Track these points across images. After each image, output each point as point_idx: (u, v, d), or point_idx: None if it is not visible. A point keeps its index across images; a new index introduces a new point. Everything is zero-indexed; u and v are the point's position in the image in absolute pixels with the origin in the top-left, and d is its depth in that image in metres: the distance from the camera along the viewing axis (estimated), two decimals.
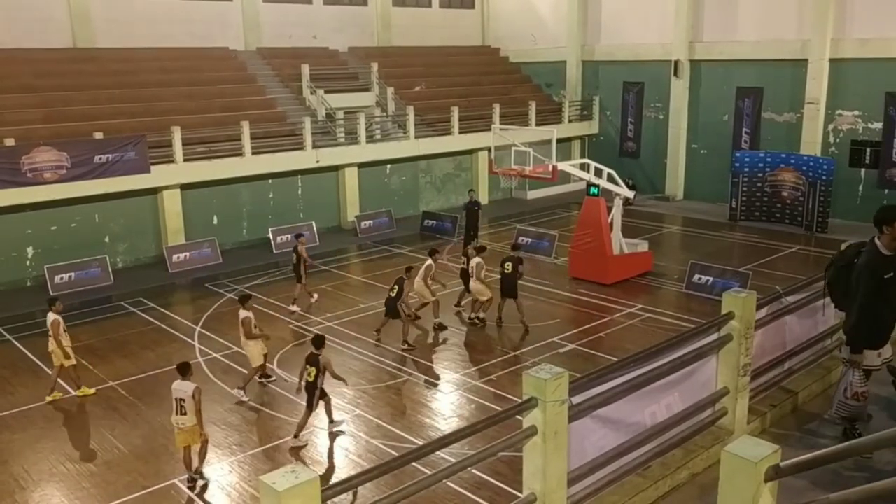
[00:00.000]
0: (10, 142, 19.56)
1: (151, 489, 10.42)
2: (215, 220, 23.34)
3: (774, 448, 5.48)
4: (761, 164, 25.69)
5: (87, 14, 25.67)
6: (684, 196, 30.21)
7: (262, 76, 28.17)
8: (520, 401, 7.26)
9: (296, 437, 11.58)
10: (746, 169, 25.82)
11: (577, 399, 7.53)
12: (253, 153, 23.48)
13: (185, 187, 22.46)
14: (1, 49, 23.55)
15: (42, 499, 10.31)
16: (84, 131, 21.21)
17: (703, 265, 18.76)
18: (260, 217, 24.28)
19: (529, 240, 22.61)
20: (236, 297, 15.10)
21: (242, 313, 13.22)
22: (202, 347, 15.58)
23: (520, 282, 16.25)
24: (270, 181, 24.48)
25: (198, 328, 16.75)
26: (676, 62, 29.24)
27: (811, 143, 25.82)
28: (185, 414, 10.21)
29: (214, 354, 15.21)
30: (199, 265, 21.85)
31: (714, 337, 9.29)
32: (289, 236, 23.77)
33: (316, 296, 18.54)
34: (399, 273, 16.12)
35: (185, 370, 10.41)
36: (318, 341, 11.70)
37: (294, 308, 17.83)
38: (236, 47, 28.90)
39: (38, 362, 14.93)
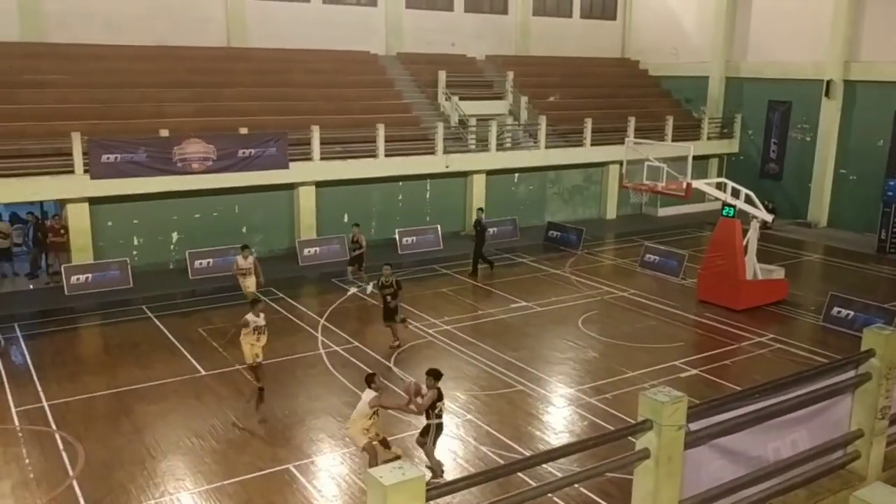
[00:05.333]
0: (164, 133, 20.95)
1: (266, 472, 10.85)
2: (346, 218, 24.04)
3: None
4: None
5: (242, 16, 27.11)
6: (828, 223, 28.51)
7: (400, 81, 28.81)
8: (634, 422, 7.06)
9: None
10: None
11: (695, 426, 7.24)
12: (386, 155, 24.07)
13: (319, 185, 23.30)
14: (164, 46, 25.25)
15: (168, 469, 10.94)
16: (231, 126, 22.40)
17: (845, 298, 17.60)
18: (388, 217, 24.82)
19: (656, 258, 21.99)
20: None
21: None
22: (325, 339, 16.08)
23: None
24: (400, 183, 25.01)
25: (322, 321, 17.29)
26: (829, 82, 27.66)
27: None
28: (264, 334, 13.74)
29: (335, 347, 15.67)
30: (327, 260, 22.57)
31: (851, 374, 8.70)
32: (414, 238, 24.21)
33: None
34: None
35: (255, 303, 13.89)
36: None
37: None
38: (378, 52, 29.70)
39: (175, 341, 15.88)
